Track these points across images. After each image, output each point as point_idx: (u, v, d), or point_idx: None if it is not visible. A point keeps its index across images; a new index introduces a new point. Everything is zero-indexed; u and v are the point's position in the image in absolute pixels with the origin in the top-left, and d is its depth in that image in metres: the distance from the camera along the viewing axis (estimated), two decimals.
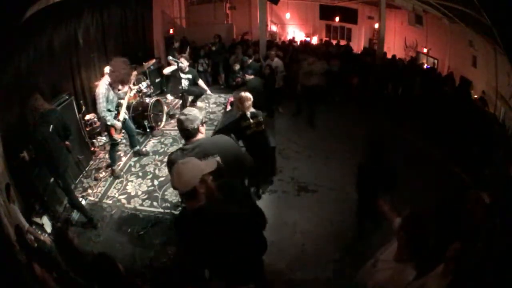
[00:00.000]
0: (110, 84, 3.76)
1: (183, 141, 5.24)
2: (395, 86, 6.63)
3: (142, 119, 5.20)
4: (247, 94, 3.19)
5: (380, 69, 6.84)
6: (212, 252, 1.62)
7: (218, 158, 1.95)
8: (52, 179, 3.32)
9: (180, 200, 3.55)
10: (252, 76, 5.09)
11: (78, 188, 4.00)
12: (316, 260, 2.91)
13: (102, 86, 3.71)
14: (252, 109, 3.23)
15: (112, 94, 3.80)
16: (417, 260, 1.48)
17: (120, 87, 3.99)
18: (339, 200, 3.67)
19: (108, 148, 4.52)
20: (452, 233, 1.87)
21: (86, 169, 4.35)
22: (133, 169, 4.43)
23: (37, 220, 2.98)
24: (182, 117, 2.00)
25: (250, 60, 6.61)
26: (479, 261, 1.48)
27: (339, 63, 6.80)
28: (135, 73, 4.36)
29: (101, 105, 3.72)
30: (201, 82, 5.69)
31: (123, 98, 4.10)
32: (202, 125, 2.08)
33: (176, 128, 5.81)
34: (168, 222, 3.40)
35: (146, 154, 4.73)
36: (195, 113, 2.04)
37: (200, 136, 2.07)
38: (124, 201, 3.77)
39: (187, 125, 1.98)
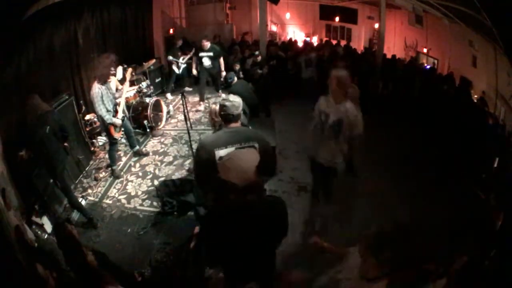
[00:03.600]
0: (99, 82, 3.77)
1: (183, 141, 5.21)
2: (395, 86, 6.63)
3: (142, 119, 5.20)
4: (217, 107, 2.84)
5: (380, 69, 6.84)
6: (238, 248, 1.56)
7: (257, 145, 2.02)
8: (52, 179, 3.32)
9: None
10: (235, 80, 5.00)
11: (78, 188, 4.00)
12: (315, 260, 2.91)
13: (94, 87, 3.74)
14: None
15: (106, 94, 3.81)
16: (389, 276, 1.36)
17: (114, 87, 4.01)
18: (338, 200, 3.67)
19: (108, 148, 4.52)
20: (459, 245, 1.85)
21: (86, 169, 4.35)
22: (133, 169, 4.43)
23: (37, 220, 2.98)
24: (228, 103, 2.07)
25: (260, 57, 6.66)
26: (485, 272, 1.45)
27: (345, 64, 6.83)
28: (130, 70, 4.39)
29: (98, 104, 3.74)
30: (221, 61, 6.20)
31: (119, 97, 4.10)
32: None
33: (175, 128, 5.83)
34: (168, 222, 3.40)
35: (146, 154, 4.73)
36: (239, 100, 2.13)
37: (239, 123, 2.15)
38: (124, 201, 3.77)
39: (233, 110, 2.07)
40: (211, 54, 6.00)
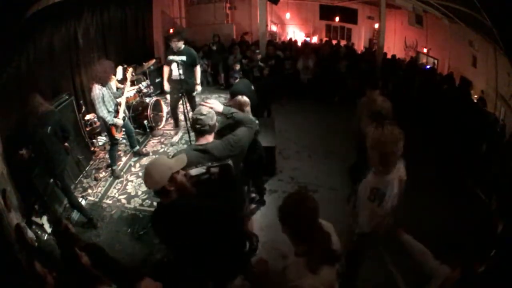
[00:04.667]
0: (99, 83, 3.77)
1: (183, 141, 5.22)
2: (395, 86, 6.63)
3: (142, 119, 5.20)
4: (246, 98, 2.98)
5: (380, 69, 6.85)
6: (189, 247, 1.67)
7: (230, 162, 2.00)
8: (52, 179, 3.32)
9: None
10: (237, 80, 4.97)
11: (78, 188, 4.00)
12: None
13: (95, 88, 3.73)
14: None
15: (107, 95, 3.81)
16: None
17: (115, 87, 4.03)
18: (339, 200, 3.67)
19: (108, 148, 4.52)
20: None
21: (86, 169, 4.34)
22: (133, 169, 4.43)
23: (37, 220, 2.98)
24: (202, 116, 2.00)
25: (260, 56, 6.66)
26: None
27: (346, 64, 6.88)
28: (130, 70, 4.40)
29: (99, 105, 3.74)
30: (198, 70, 4.73)
31: (119, 97, 4.10)
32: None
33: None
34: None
35: (146, 154, 4.73)
36: (213, 111, 2.07)
37: (213, 136, 2.08)
38: (124, 201, 3.77)
39: (208, 122, 2.00)
40: (183, 58, 4.46)
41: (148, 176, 1.60)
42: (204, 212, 1.66)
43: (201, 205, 1.68)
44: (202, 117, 2.00)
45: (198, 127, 2.02)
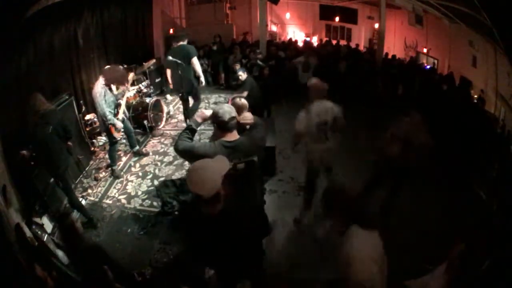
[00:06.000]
0: (106, 84, 3.78)
1: None
2: (395, 86, 6.64)
3: (142, 119, 5.20)
4: (244, 101, 2.95)
5: (380, 69, 6.86)
6: (220, 251, 1.61)
7: (255, 158, 1.99)
8: (52, 179, 3.32)
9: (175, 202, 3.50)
10: (246, 75, 4.95)
11: (78, 188, 4.00)
12: (316, 260, 2.91)
13: (98, 86, 3.74)
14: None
15: (109, 94, 3.81)
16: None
17: (115, 87, 4.02)
18: None
19: (108, 148, 4.52)
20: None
21: (86, 169, 4.34)
22: (133, 169, 4.43)
23: (37, 220, 2.98)
24: (226, 107, 1.97)
25: (261, 55, 6.65)
26: (481, 261, 1.46)
27: (345, 64, 6.89)
28: (132, 74, 4.41)
29: (100, 103, 3.73)
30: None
31: (121, 99, 4.10)
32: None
33: (175, 128, 5.82)
34: (169, 222, 3.40)
35: (146, 154, 4.73)
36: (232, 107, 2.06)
37: (236, 131, 2.05)
38: (124, 201, 3.77)
39: (233, 114, 1.97)
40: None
41: (200, 183, 1.46)
42: (245, 218, 1.62)
43: (244, 212, 1.65)
44: (226, 108, 1.97)
45: (226, 120, 1.96)
